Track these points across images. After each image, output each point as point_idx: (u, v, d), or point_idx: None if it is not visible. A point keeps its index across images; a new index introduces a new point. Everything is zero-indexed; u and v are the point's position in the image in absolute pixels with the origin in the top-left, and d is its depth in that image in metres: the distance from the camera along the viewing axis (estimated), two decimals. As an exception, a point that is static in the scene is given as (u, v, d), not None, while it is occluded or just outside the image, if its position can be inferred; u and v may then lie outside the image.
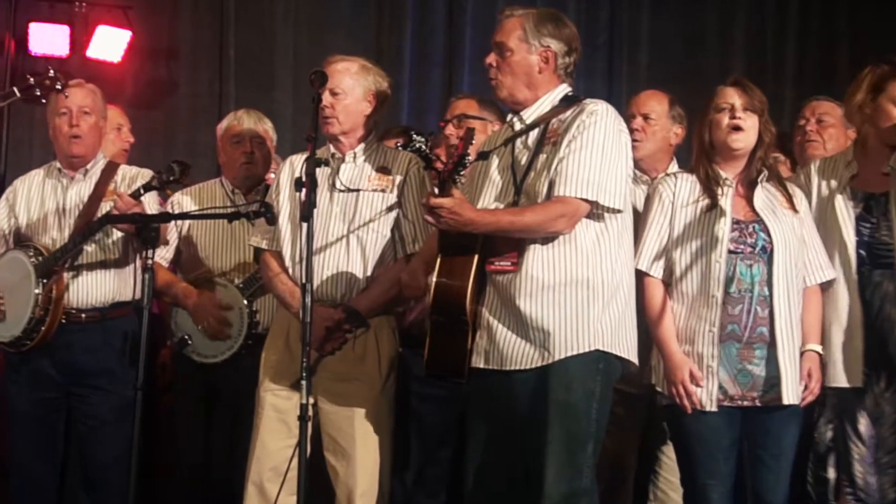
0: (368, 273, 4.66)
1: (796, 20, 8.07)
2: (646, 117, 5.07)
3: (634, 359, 4.22)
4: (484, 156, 4.33)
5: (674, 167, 5.06)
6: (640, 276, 4.37)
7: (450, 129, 5.13)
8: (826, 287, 4.50)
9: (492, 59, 4.28)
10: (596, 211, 4.10)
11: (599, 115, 4.13)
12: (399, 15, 7.60)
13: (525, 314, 4.08)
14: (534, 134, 4.23)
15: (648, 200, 4.50)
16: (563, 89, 4.29)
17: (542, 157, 4.16)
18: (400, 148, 4.57)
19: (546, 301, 4.07)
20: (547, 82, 4.26)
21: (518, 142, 4.25)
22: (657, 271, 4.40)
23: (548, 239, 4.10)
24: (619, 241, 4.19)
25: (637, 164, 5.03)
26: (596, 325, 4.08)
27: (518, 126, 4.27)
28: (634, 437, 5.02)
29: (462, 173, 4.03)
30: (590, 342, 4.07)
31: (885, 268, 4.51)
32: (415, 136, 4.43)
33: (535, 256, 4.10)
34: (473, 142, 4.07)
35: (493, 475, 4.19)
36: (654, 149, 5.07)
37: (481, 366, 4.17)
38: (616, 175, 4.11)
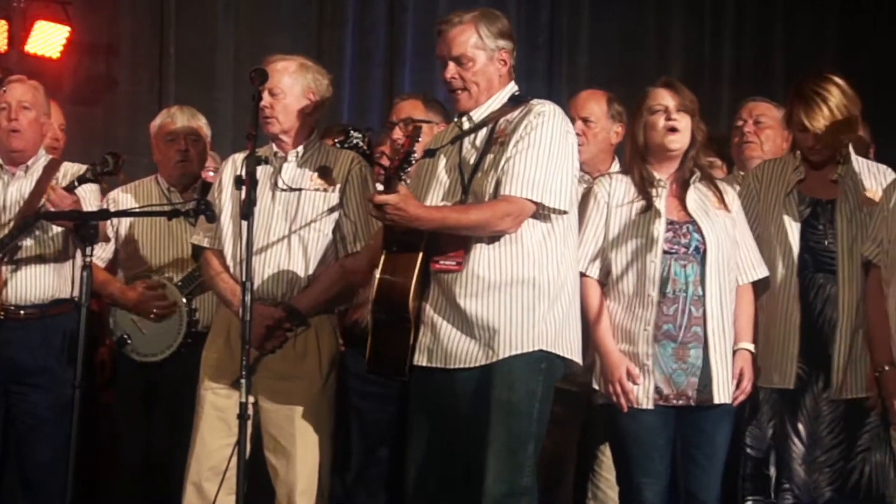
0: (310, 272, 4.66)
1: (732, 23, 8.17)
2: (585, 120, 5.06)
3: (578, 358, 4.25)
4: (431, 153, 4.33)
5: (615, 167, 5.08)
6: (578, 276, 4.40)
7: (397, 133, 5.10)
8: (761, 286, 4.55)
9: (453, 72, 4.22)
10: (542, 212, 4.12)
11: (547, 116, 4.15)
12: (340, 13, 7.60)
13: (470, 313, 4.10)
14: (482, 133, 4.24)
15: (584, 201, 4.52)
16: (511, 88, 4.29)
17: (490, 157, 4.17)
18: (338, 145, 4.57)
19: (491, 300, 4.09)
20: (501, 83, 4.26)
21: (466, 141, 4.26)
22: (594, 271, 4.42)
23: (493, 238, 4.11)
24: (565, 241, 4.21)
25: (580, 166, 5.07)
26: (540, 325, 4.11)
27: (466, 125, 4.27)
28: (574, 435, 5.04)
29: (408, 171, 4.04)
30: (534, 342, 4.09)
31: (829, 273, 4.55)
32: (352, 132, 4.44)
33: (481, 255, 4.11)
34: (420, 139, 4.07)
35: (435, 473, 4.20)
36: (596, 151, 5.08)
37: (424, 363, 4.17)
38: (562, 176, 4.13)
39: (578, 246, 4.39)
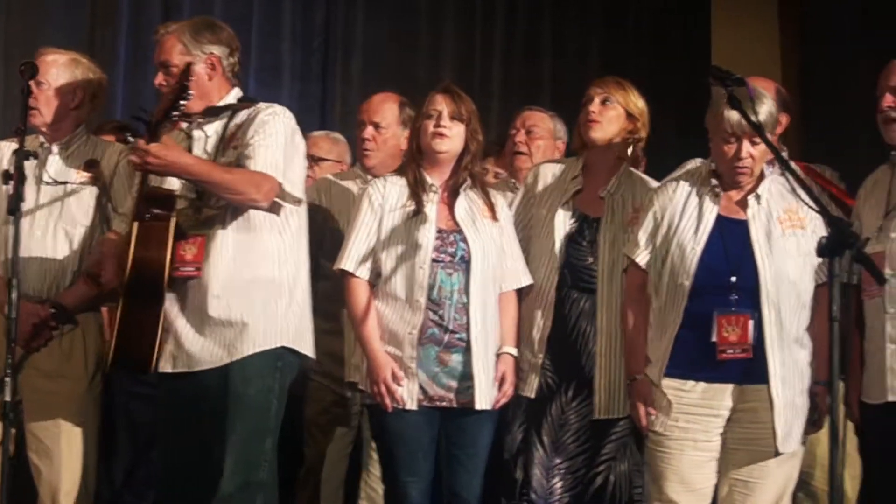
0: (76, 268, 4.63)
1: (502, 34, 8.33)
2: (377, 126, 5.14)
3: (312, 354, 4.39)
4: None
5: None
6: (347, 276, 4.47)
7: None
8: (525, 291, 4.65)
9: (160, 79, 4.32)
10: (279, 201, 4.22)
11: (277, 114, 4.28)
12: (113, 10, 7.48)
13: (213, 315, 4.18)
14: (212, 139, 4.33)
15: (358, 202, 4.57)
16: (236, 94, 4.41)
17: (223, 160, 4.25)
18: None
19: (232, 300, 4.19)
20: (218, 88, 4.36)
21: (196, 149, 4.32)
22: (363, 272, 4.47)
23: (229, 240, 4.21)
24: (299, 241, 4.35)
25: (369, 171, 5.11)
26: (281, 322, 4.24)
27: (196, 133, 4.34)
28: (349, 435, 5.17)
29: (175, 116, 4.08)
30: (275, 339, 4.22)
31: (584, 292, 4.66)
32: (129, 137, 4.42)
33: (221, 256, 4.19)
34: (190, 79, 4.11)
35: (184, 476, 4.27)
36: (384, 156, 5.11)
37: (170, 370, 4.23)
38: (295, 168, 4.28)
39: (350, 246, 4.47)
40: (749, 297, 4.28)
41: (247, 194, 4.14)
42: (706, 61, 7.62)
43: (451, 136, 4.50)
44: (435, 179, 4.55)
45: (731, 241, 4.33)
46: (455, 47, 8.24)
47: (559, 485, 4.64)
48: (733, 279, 4.29)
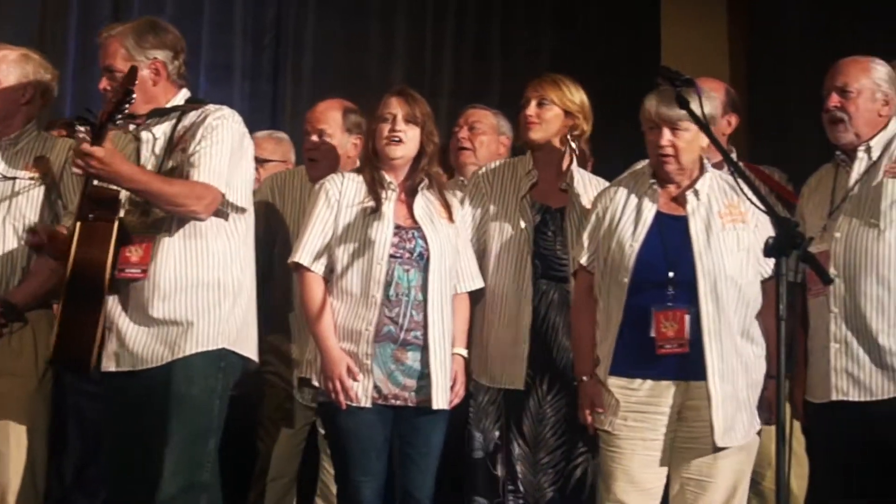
0: (25, 264, 4.60)
1: (452, 33, 8.35)
2: (321, 134, 5.15)
3: (255, 357, 4.40)
4: None
5: None
6: (301, 270, 4.48)
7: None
8: (476, 294, 4.69)
9: (105, 83, 4.32)
10: (223, 208, 4.24)
11: (225, 118, 4.29)
12: (63, 5, 7.45)
13: (157, 315, 4.19)
14: (160, 141, 4.32)
15: (315, 197, 4.57)
16: (184, 95, 4.41)
17: (171, 163, 4.26)
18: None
19: (178, 301, 4.20)
20: (164, 91, 4.37)
21: (143, 151, 4.33)
22: (318, 267, 4.47)
23: (176, 243, 4.22)
24: (245, 244, 4.36)
25: (314, 181, 5.07)
26: (223, 325, 4.25)
27: (144, 135, 4.34)
28: (302, 433, 5.17)
29: (118, 119, 4.06)
30: (217, 340, 4.23)
31: (556, 280, 4.72)
32: (78, 127, 4.41)
33: (167, 258, 4.20)
34: (135, 84, 4.08)
35: (131, 475, 4.26)
36: (329, 165, 5.10)
37: (112, 369, 4.24)
38: (241, 174, 4.29)
39: (306, 241, 4.47)
40: (687, 292, 4.33)
41: (187, 206, 4.17)
42: (656, 60, 7.66)
43: (406, 141, 4.52)
44: (392, 178, 4.57)
45: (669, 237, 4.39)
46: (406, 46, 8.26)
47: (544, 480, 4.69)
48: (671, 274, 4.34)
